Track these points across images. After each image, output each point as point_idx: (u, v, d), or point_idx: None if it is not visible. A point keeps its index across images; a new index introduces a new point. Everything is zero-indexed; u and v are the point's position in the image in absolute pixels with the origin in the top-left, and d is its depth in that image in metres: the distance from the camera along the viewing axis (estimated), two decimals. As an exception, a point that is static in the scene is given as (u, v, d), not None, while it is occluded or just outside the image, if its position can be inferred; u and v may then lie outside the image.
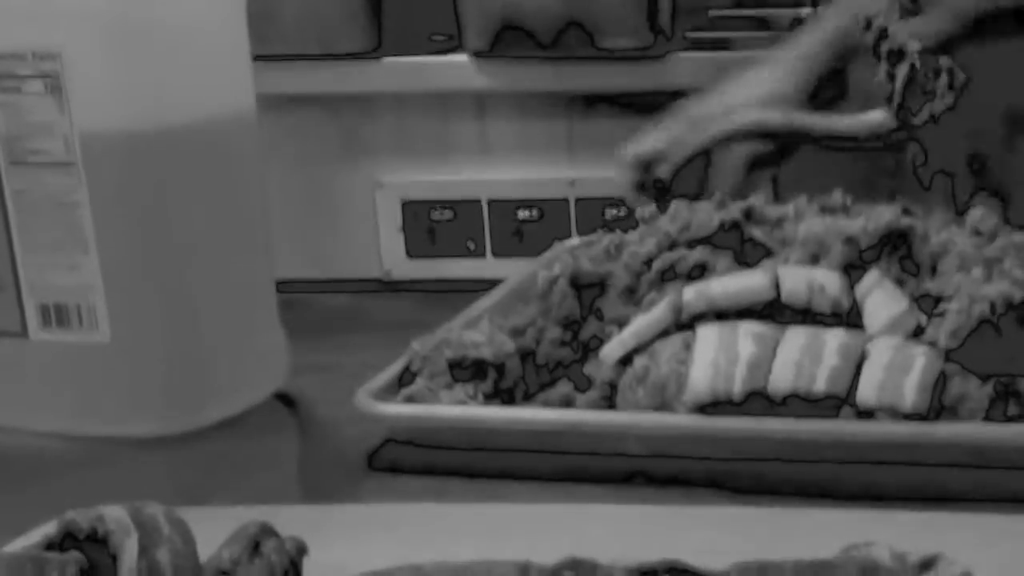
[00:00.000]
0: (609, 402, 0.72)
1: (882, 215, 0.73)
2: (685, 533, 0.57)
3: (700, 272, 0.74)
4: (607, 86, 1.18)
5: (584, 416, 0.71)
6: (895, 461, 0.66)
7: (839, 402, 0.67)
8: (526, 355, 0.75)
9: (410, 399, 0.72)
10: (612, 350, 0.72)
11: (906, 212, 0.75)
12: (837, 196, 0.79)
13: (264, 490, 0.70)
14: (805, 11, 1.21)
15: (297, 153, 1.20)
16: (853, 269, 0.72)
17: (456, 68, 1.19)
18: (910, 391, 0.66)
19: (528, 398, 0.74)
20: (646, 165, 0.91)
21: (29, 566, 0.45)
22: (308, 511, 0.64)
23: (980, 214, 0.75)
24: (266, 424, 0.79)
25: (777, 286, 0.71)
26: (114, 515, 0.47)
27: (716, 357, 0.68)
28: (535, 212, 1.19)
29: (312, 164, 1.21)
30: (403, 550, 0.51)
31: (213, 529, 0.49)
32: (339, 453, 0.74)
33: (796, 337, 0.68)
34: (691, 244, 0.76)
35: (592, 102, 1.19)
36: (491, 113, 1.20)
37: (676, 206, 0.78)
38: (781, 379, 0.67)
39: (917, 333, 0.69)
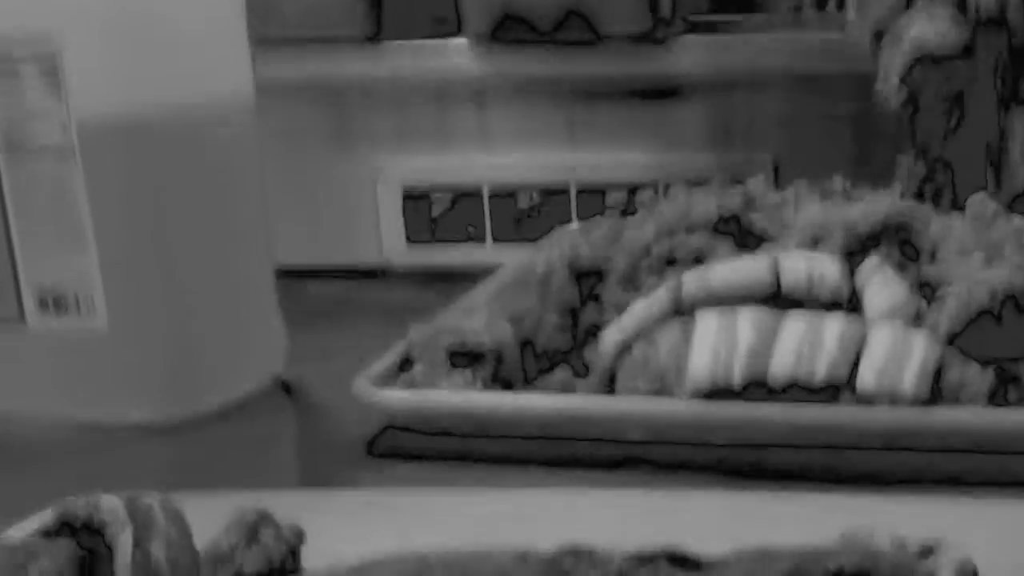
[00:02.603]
0: (608, 388, 0.72)
1: (882, 201, 0.73)
2: (684, 519, 0.57)
3: (700, 258, 0.74)
4: (608, 72, 1.17)
5: (584, 402, 0.71)
6: (895, 447, 0.66)
7: (839, 388, 0.67)
8: (525, 342, 0.75)
9: (409, 385, 0.72)
10: (611, 336, 0.72)
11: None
12: (837, 181, 0.79)
13: (262, 476, 0.70)
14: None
15: (296, 139, 1.19)
16: (853, 255, 0.72)
17: (456, 55, 1.18)
18: (910, 377, 0.66)
19: (527, 384, 0.74)
20: None
21: (20, 553, 0.45)
22: (306, 497, 0.64)
23: (980, 200, 0.75)
24: (265, 410, 0.79)
25: (777, 272, 0.71)
26: (109, 506, 0.47)
27: (716, 344, 0.68)
28: (536, 198, 1.19)
29: (311, 150, 1.20)
30: (402, 536, 0.50)
31: (211, 516, 0.49)
32: (338, 439, 0.74)
33: (796, 324, 0.68)
34: (691, 230, 0.76)
35: (593, 88, 1.19)
36: (491, 100, 1.20)
37: (675, 192, 0.78)
38: (781, 366, 0.67)
39: (917, 319, 0.69)
